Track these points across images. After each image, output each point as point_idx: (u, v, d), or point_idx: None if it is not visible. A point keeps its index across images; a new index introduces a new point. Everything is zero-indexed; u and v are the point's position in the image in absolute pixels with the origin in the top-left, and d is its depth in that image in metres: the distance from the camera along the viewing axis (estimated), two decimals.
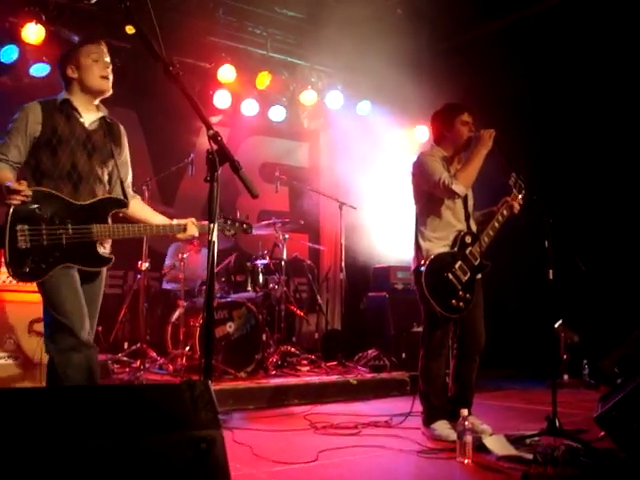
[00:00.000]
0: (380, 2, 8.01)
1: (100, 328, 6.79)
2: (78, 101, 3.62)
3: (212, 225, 2.44)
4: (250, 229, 4.03)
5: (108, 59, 3.66)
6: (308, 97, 8.98)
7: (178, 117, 7.45)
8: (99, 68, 3.59)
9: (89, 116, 3.66)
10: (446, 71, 8.22)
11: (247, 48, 8.49)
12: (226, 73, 8.19)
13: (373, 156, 8.99)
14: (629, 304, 6.78)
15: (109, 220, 3.55)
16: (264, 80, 8.51)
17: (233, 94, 8.42)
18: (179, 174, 7.60)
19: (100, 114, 3.71)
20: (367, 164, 8.90)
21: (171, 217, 3.86)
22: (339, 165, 9.22)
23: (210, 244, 2.42)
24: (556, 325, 6.82)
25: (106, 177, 3.70)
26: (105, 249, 3.60)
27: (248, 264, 7.21)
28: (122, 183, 3.74)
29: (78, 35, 7.17)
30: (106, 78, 3.61)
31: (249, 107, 8.71)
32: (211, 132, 2.52)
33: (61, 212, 3.39)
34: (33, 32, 6.85)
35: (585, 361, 7.12)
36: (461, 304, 4.59)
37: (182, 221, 3.75)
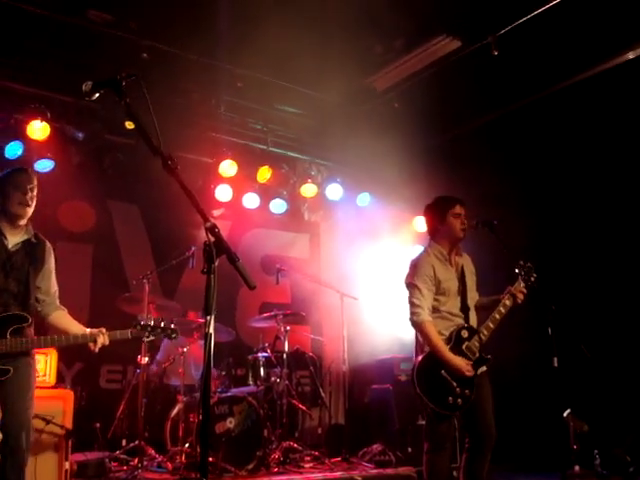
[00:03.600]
0: (377, 97, 8.22)
1: (98, 424, 6.68)
2: (3, 224, 4.09)
3: (209, 317, 2.42)
4: (174, 333, 4.44)
5: (31, 186, 4.11)
6: (308, 190, 9.08)
7: (179, 210, 7.47)
8: (18, 195, 4.06)
9: (14, 238, 4.13)
10: (443, 163, 8.38)
11: (248, 143, 8.65)
12: (227, 168, 8.32)
13: (373, 247, 9.02)
14: (638, 391, 6.65)
15: (7, 335, 3.91)
16: (265, 174, 8.63)
17: (234, 188, 8.52)
18: (180, 267, 7.58)
19: (25, 237, 4.17)
20: (367, 255, 8.92)
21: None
22: (340, 256, 9.24)
23: (207, 336, 2.40)
24: (564, 414, 6.66)
25: (22, 292, 4.09)
26: (3, 363, 3.92)
27: (249, 357, 7.12)
28: (31, 297, 4.13)
29: (82, 132, 7.34)
30: (23, 204, 4.08)
31: (250, 200, 8.79)
32: (208, 224, 2.53)
33: None
34: (38, 129, 6.97)
35: (596, 451, 6.91)
36: (459, 401, 4.50)
37: (94, 331, 4.15)
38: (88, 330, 4.20)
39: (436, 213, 4.92)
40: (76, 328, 4.24)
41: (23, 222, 4.17)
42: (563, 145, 7.60)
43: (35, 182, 4.17)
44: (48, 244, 4.33)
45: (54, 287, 4.34)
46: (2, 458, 3.93)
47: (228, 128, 8.45)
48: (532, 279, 4.72)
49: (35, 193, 4.16)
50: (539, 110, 7.55)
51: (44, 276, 4.25)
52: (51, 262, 4.32)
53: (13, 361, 3.98)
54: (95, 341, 4.11)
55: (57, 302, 4.34)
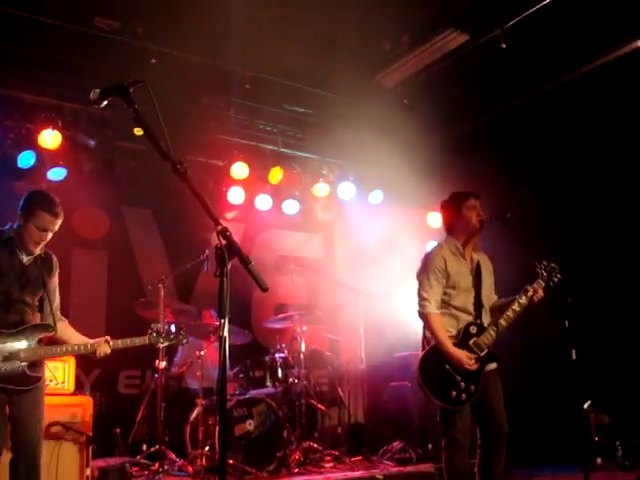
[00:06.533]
0: (387, 94, 8.19)
1: (118, 430, 6.71)
2: (20, 240, 4.16)
3: (223, 321, 2.42)
4: (185, 339, 4.71)
5: (54, 228, 4.18)
6: (320, 189, 9.08)
7: (192, 214, 7.47)
8: (40, 236, 4.13)
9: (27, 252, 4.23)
10: (454, 158, 8.34)
11: (258, 145, 8.66)
12: (239, 170, 8.33)
13: (387, 244, 8.99)
14: None
15: (35, 344, 4.05)
16: (276, 175, 8.64)
17: (247, 190, 8.53)
18: (195, 270, 7.59)
19: (36, 252, 4.24)
20: (382, 252, 8.90)
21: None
22: (354, 254, 9.22)
23: (221, 340, 2.40)
24: (585, 406, 6.62)
25: (37, 303, 4.23)
26: (34, 371, 4.03)
27: (266, 358, 7.12)
28: (50, 308, 4.27)
29: (93, 139, 7.39)
30: (38, 243, 4.17)
31: (263, 202, 8.80)
32: (219, 227, 2.54)
33: None
34: (50, 137, 7.03)
35: (618, 442, 6.87)
36: (463, 396, 4.47)
37: (98, 340, 4.28)
38: (91, 341, 4.31)
39: (451, 208, 4.91)
40: (76, 339, 4.36)
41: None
42: (575, 137, 7.54)
43: (58, 225, 4.23)
44: (55, 258, 4.43)
45: (57, 299, 4.45)
46: (14, 472, 3.96)
47: (238, 130, 8.47)
48: (555, 280, 4.66)
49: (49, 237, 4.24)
50: (550, 102, 7.49)
51: (52, 288, 4.37)
52: (57, 276, 4.44)
53: (39, 369, 4.10)
54: (95, 351, 4.25)
55: (59, 314, 4.44)
